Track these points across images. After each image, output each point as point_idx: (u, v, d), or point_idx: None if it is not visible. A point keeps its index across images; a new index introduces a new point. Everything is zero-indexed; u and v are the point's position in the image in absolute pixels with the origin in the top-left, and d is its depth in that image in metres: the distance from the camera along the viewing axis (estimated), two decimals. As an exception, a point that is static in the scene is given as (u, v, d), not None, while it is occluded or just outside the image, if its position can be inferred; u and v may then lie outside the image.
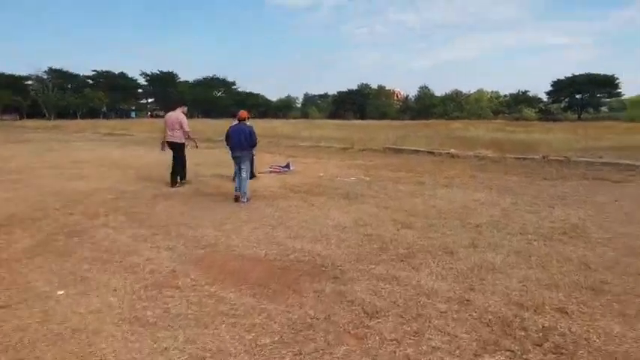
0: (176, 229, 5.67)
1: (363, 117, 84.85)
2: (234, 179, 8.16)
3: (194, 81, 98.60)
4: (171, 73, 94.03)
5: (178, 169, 9.00)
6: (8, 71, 72.21)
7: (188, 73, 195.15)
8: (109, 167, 11.66)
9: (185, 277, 4.05)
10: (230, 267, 4.32)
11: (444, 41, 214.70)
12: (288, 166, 10.68)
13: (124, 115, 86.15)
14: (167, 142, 9.05)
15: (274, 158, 14.33)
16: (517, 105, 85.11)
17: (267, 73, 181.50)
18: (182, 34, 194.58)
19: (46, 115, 68.46)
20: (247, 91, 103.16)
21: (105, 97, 76.93)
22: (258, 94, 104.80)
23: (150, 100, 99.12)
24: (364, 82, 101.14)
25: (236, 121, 7.89)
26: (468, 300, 3.54)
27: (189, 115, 9.63)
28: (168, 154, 9.14)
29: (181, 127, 8.92)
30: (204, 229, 5.67)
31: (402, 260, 4.46)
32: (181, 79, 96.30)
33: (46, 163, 12.36)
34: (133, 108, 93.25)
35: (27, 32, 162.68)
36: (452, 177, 10.11)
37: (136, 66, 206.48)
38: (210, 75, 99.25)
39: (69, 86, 79.95)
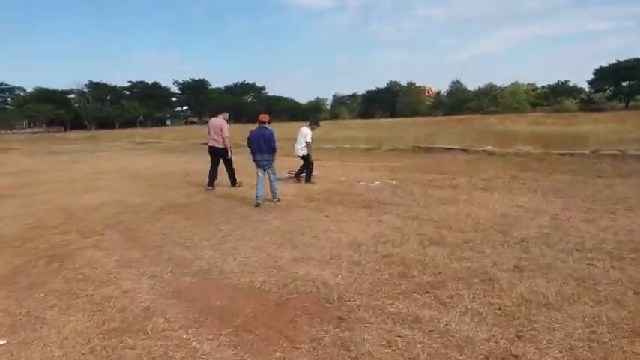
0: (169, 249, 4.99)
1: (393, 115, 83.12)
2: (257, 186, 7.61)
3: (224, 87, 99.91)
4: (203, 80, 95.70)
5: (229, 174, 9.23)
6: (52, 86, 75.64)
7: (219, 79, 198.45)
8: (128, 178, 11.26)
9: (159, 317, 3.32)
10: (216, 302, 3.56)
11: (475, 35, 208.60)
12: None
13: (160, 123, 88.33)
14: (209, 146, 9.23)
15: (296, 163, 13.59)
16: (556, 96, 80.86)
17: (296, 77, 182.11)
18: (211, 41, 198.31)
19: (87, 126, 71.09)
20: (277, 95, 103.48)
21: (140, 106, 79.06)
22: (287, 98, 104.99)
23: (184, 108, 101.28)
24: (394, 80, 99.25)
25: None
26: (515, 356, 2.61)
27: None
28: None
29: (222, 132, 9.01)
30: (200, 249, 4.95)
31: (427, 292, 3.55)
32: (213, 86, 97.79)
33: (67, 176, 12.13)
34: (168, 116, 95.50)
35: (68, 47, 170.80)
36: (490, 178, 9.00)
37: (170, 75, 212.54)
38: (240, 81, 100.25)
39: (107, 98, 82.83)
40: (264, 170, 7.34)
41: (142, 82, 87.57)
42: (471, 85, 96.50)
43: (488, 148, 13.95)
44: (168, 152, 19.72)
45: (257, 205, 7.07)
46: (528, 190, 7.65)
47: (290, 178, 9.99)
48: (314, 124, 9.73)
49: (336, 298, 3.49)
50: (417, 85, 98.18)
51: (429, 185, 8.50)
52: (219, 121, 9.19)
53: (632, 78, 73.18)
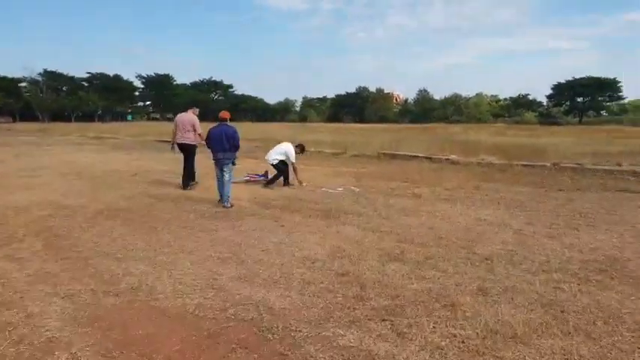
0: (97, 262, 4.36)
1: (362, 120, 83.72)
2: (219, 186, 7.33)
3: (190, 83, 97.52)
4: (168, 75, 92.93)
5: (189, 171, 8.74)
6: (1, 73, 70.95)
7: (184, 75, 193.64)
8: (69, 175, 10.33)
9: (62, 352, 2.74)
10: (138, 331, 3.01)
11: (443, 45, 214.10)
12: (266, 174, 9.37)
13: (120, 117, 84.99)
14: (178, 143, 8.81)
15: (258, 165, 13.04)
16: (517, 108, 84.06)
17: (265, 77, 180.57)
18: (178, 36, 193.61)
19: (40, 117, 67.14)
20: (245, 94, 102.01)
21: (99, 99, 75.66)
22: (255, 97, 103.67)
23: (147, 103, 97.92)
24: (363, 85, 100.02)
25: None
26: (481, 407, 2.24)
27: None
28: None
29: (194, 128, 8.70)
30: (133, 262, 4.36)
31: (383, 319, 3.14)
32: (178, 82, 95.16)
33: (7, 170, 11.02)
34: (129, 111, 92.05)
35: (21, 33, 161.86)
36: (453, 188, 8.80)
37: (132, 69, 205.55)
38: (207, 78, 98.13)
39: (63, 89, 78.79)
40: (222, 169, 7.05)
41: (102, 73, 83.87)
42: (438, 95, 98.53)
43: (453, 157, 13.90)
44: (119, 149, 18.60)
45: (223, 205, 6.90)
46: (491, 201, 7.47)
47: (249, 181, 9.45)
48: (300, 151, 9.54)
49: (280, 328, 3.03)
50: (386, 91, 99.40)
51: (392, 194, 8.19)
52: (190, 116, 8.78)
53: (586, 95, 77.08)
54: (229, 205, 6.88)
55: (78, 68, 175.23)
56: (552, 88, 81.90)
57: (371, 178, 10.27)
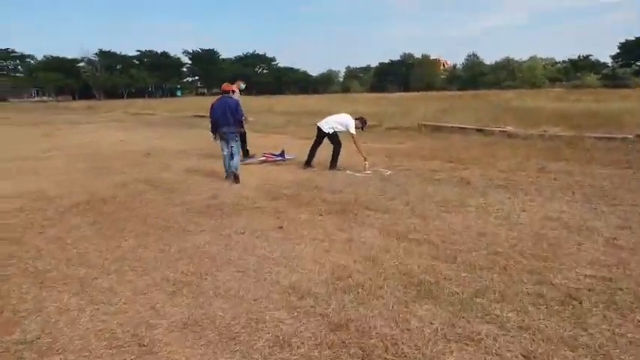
0: (12, 286, 3.17)
1: (407, 89, 79.76)
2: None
3: (235, 58, 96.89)
4: (213, 50, 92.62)
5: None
6: (62, 54, 73.69)
7: (229, 50, 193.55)
8: (78, 157, 9.41)
9: None
10: None
11: (493, 6, 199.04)
12: (282, 154, 7.95)
13: (170, 93, 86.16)
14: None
15: (282, 141, 11.65)
16: (577, 71, 76.39)
17: (308, 48, 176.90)
18: (222, 10, 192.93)
19: (96, 95, 69.35)
20: (288, 66, 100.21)
21: (149, 76, 76.93)
22: (298, 70, 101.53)
23: (195, 78, 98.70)
24: (408, 52, 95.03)
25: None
26: None
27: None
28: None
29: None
30: (59, 288, 3.12)
31: None
32: (223, 56, 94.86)
33: (15, 153, 10.34)
34: (179, 87, 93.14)
35: (79, 14, 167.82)
36: (511, 169, 6.96)
37: (179, 45, 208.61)
38: (251, 51, 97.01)
39: (117, 67, 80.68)
40: (228, 143, 6.66)
41: (150, 51, 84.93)
42: (488, 59, 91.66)
43: (508, 128, 11.78)
44: (150, 125, 17.84)
45: (233, 174, 6.54)
46: (563, 189, 5.63)
47: (265, 161, 8.07)
48: (362, 125, 7.75)
49: None
50: (432, 57, 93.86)
51: (432, 178, 6.52)
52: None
53: (662, 53, 68.39)
54: (236, 174, 6.51)
55: (129, 46, 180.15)
56: (619, 47, 73.48)
57: (407, 156, 8.56)
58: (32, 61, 77.34)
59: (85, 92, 70.91)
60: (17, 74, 75.71)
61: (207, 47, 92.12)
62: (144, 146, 10.90)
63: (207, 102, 31.18)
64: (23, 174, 7.56)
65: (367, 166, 7.18)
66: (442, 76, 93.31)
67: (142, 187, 6.26)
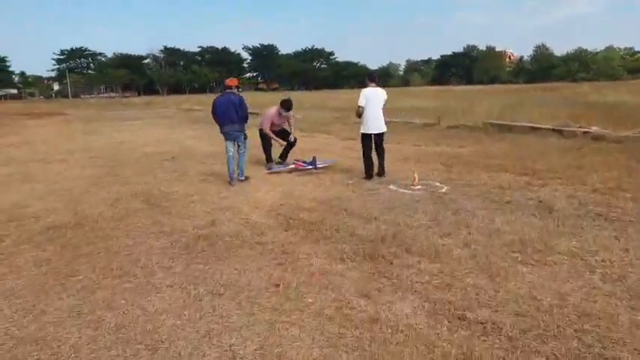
0: None
1: (469, 82, 75.20)
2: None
3: (293, 53, 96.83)
4: (272, 45, 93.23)
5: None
6: (131, 52, 77.55)
7: (288, 45, 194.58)
8: (95, 160, 8.49)
9: None
10: None
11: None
12: (313, 162, 6.62)
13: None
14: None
15: (323, 143, 10.34)
16: (666, 61, 67.66)
17: (368, 42, 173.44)
18: (282, 5, 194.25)
19: (159, 91, 72.23)
20: (346, 60, 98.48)
21: (210, 72, 78.84)
22: (357, 64, 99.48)
23: (255, 74, 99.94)
24: (471, 44, 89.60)
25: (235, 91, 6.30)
26: None
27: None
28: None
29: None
30: None
31: None
32: (282, 52, 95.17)
33: (43, 153, 9.75)
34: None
35: (144, 12, 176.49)
36: (608, 188, 5.13)
37: (239, 40, 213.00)
38: (309, 46, 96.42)
39: (180, 63, 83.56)
40: (234, 142, 6.17)
41: (212, 47, 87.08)
42: (558, 51, 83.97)
43: (594, 129, 9.59)
44: (194, 123, 17.16)
45: (232, 183, 6.05)
46: None
47: (294, 170, 6.80)
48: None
49: None
50: (497, 49, 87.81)
51: (500, 201, 4.87)
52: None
53: None
54: (243, 178, 6.23)
55: (192, 43, 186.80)
56: None
57: (469, 165, 6.89)
58: (103, 59, 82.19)
59: (149, 88, 74.15)
60: (90, 71, 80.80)
61: (266, 43, 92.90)
62: (174, 148, 10.05)
63: (265, 98, 30.78)
64: (19, 181, 6.69)
65: (417, 179, 5.68)
66: (508, 69, 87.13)
67: (136, 206, 5.18)
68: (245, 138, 6.28)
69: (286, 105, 7.18)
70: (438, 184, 5.75)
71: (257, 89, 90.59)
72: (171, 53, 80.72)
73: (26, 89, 69.39)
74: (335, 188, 5.72)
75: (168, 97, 53.30)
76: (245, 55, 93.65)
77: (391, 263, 3.30)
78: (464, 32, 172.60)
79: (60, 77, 78.87)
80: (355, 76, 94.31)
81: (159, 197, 5.51)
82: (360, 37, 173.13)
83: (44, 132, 15.30)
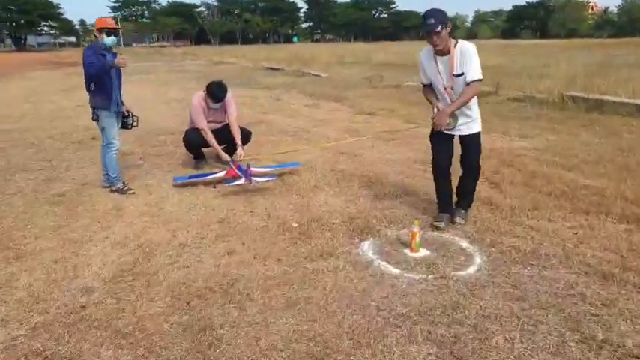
0: None
1: (543, 36, 65.83)
2: None
3: (351, 1, 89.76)
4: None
5: None
6: (186, -1, 74.84)
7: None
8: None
9: None
10: None
11: None
12: (247, 174, 3.71)
13: (286, 40, 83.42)
14: None
15: (328, 115, 7.42)
16: None
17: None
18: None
19: (212, 41, 69.97)
20: (408, 10, 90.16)
21: (263, 21, 75.05)
22: (418, 13, 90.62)
23: (310, 24, 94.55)
24: (548, -7, 77.84)
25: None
26: None
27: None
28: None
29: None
30: None
31: None
32: (339, 0, 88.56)
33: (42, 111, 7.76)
34: (295, 33, 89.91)
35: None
36: None
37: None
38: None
39: (236, 12, 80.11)
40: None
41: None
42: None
43: None
44: (205, 79, 14.53)
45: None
46: None
47: (218, 182, 3.93)
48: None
49: None
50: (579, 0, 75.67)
51: (614, 278, 1.90)
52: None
53: None
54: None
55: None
56: None
57: (533, 188, 3.75)
58: (157, 7, 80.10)
59: (200, 37, 71.73)
60: (144, 19, 79.09)
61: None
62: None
63: (316, 49, 27.29)
64: None
65: (417, 237, 2.71)
66: (589, 22, 75.25)
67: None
68: (96, 120, 3.76)
69: (214, 93, 4.28)
70: (463, 244, 2.81)
71: (314, 40, 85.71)
72: (225, 1, 77.35)
73: (86, 37, 70.15)
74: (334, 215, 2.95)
75: (216, 47, 50.81)
76: (301, 3, 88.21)
77: None
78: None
79: (115, 25, 78.33)
80: (417, 27, 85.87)
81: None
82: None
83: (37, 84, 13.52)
